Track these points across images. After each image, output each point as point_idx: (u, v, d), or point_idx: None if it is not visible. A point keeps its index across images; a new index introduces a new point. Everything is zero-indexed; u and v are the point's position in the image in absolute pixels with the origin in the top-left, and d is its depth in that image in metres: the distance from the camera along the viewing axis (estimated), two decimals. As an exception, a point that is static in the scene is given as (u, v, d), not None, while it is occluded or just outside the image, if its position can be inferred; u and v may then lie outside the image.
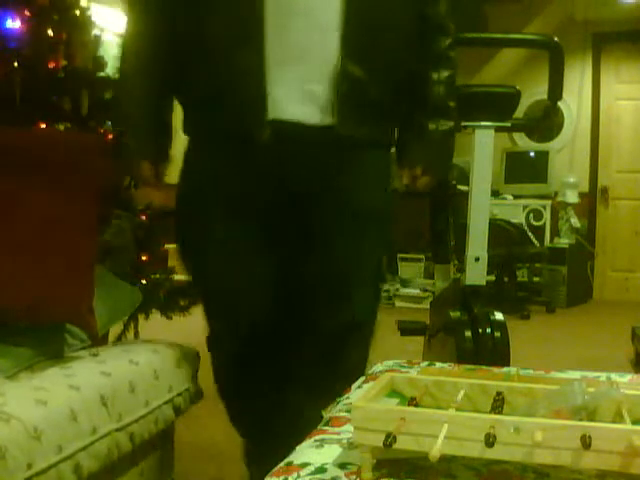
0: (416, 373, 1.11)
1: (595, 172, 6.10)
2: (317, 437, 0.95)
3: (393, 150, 1.47)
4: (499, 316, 1.97)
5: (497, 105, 1.94)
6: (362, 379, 1.26)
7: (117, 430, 1.27)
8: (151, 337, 1.69)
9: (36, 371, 1.28)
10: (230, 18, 1.21)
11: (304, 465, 0.85)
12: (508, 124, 1.97)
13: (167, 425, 1.49)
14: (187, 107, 1.39)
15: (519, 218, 5.45)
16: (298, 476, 0.82)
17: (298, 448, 0.91)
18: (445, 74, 1.38)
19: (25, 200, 1.35)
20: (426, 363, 1.44)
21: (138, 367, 1.41)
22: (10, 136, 1.45)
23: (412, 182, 1.44)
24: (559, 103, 2.02)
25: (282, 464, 0.86)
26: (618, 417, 0.82)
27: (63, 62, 1.91)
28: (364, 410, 0.80)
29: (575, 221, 5.52)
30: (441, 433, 0.74)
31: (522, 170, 5.75)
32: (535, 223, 5.50)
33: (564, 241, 5.52)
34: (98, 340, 1.53)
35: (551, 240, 5.57)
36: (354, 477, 0.81)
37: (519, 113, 2.02)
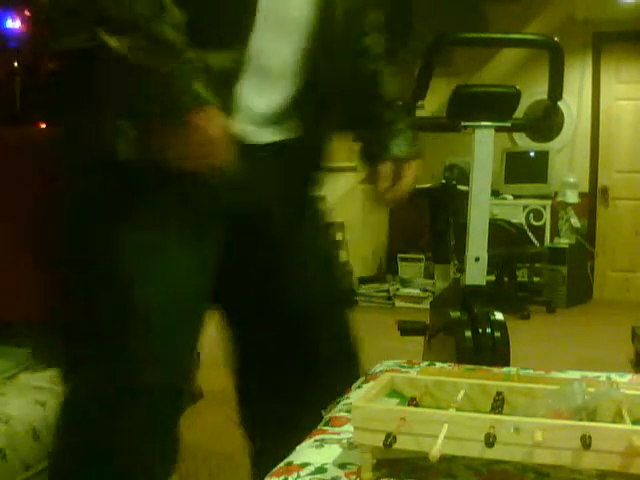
0: (416, 373, 1.11)
1: (595, 172, 6.10)
2: (317, 437, 0.95)
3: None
4: (499, 316, 1.97)
5: (497, 105, 1.94)
6: (362, 379, 1.26)
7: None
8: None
9: (36, 371, 1.28)
10: None
11: (304, 465, 0.85)
12: (508, 124, 1.97)
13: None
14: None
15: (519, 218, 5.45)
16: (298, 476, 0.82)
17: (298, 448, 0.91)
18: (391, 70, 1.34)
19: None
20: (426, 363, 1.44)
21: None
22: None
23: (397, 182, 1.37)
24: (559, 103, 2.02)
25: (282, 464, 0.86)
26: (618, 417, 0.82)
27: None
28: (364, 410, 0.80)
29: (575, 221, 5.52)
30: (441, 433, 0.74)
31: (522, 170, 5.75)
32: (535, 223, 5.50)
33: (564, 241, 5.52)
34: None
35: (551, 240, 5.57)
36: (354, 477, 0.81)
37: (519, 113, 2.02)
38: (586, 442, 0.71)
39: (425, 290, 5.34)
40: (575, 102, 6.04)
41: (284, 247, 1.20)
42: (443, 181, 2.79)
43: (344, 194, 5.77)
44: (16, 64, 1.78)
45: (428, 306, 2.61)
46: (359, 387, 1.20)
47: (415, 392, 0.91)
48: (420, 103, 2.01)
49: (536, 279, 5.47)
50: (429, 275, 5.43)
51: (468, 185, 1.95)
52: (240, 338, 1.28)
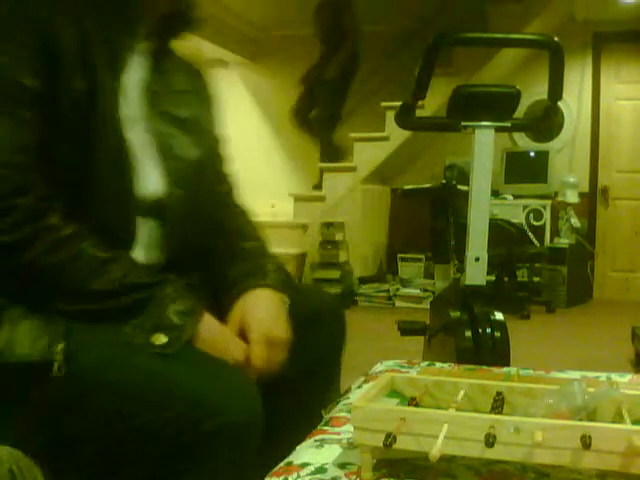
0: (416, 373, 1.11)
1: (595, 172, 6.10)
2: (317, 437, 0.95)
3: None
4: (499, 316, 1.97)
5: (497, 105, 1.93)
6: (362, 379, 1.26)
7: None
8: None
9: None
10: None
11: (304, 465, 0.85)
12: (508, 124, 1.96)
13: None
14: None
15: (519, 218, 5.45)
16: (298, 476, 0.82)
17: (298, 448, 0.91)
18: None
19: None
20: (426, 363, 1.44)
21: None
22: None
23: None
24: (559, 103, 2.02)
25: (282, 464, 0.86)
26: (618, 417, 0.82)
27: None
28: (364, 410, 0.80)
29: (575, 221, 5.52)
30: (441, 433, 0.74)
31: (522, 170, 5.75)
32: (535, 223, 5.50)
33: (564, 241, 5.52)
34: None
35: (551, 240, 5.57)
36: (354, 477, 0.81)
37: (519, 113, 2.02)
38: (586, 442, 0.71)
39: (425, 290, 5.34)
40: (575, 102, 6.04)
41: None
42: (443, 181, 2.78)
43: (344, 194, 5.77)
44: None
45: (428, 306, 2.61)
46: (359, 387, 1.20)
47: (415, 392, 0.91)
48: (420, 103, 2.01)
49: (536, 279, 5.47)
50: (429, 275, 5.43)
51: (468, 185, 1.95)
52: None
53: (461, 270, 2.04)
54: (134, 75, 1.09)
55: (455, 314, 2.00)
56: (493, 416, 0.79)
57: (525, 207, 5.55)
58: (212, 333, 0.99)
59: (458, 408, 0.83)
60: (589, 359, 3.52)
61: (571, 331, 4.46)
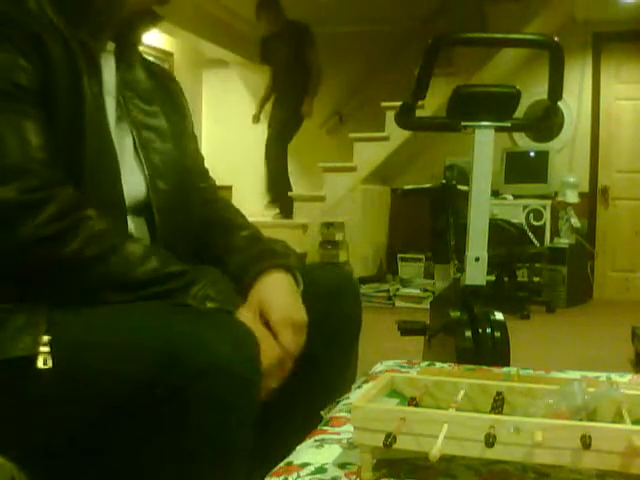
0: (416, 373, 1.11)
1: (595, 172, 6.10)
2: (317, 437, 0.95)
3: None
4: (499, 316, 1.97)
5: (497, 105, 1.93)
6: (362, 379, 1.26)
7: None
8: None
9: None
10: None
11: (304, 465, 0.85)
12: (508, 124, 1.96)
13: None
14: None
15: (519, 218, 5.45)
16: (298, 476, 0.82)
17: (298, 448, 0.91)
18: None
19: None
20: (426, 363, 1.44)
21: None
22: None
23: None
24: (559, 103, 2.02)
25: (282, 464, 0.86)
26: (618, 417, 0.82)
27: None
28: (364, 410, 0.80)
29: (575, 221, 5.52)
30: (441, 433, 0.74)
31: (522, 170, 5.75)
32: (535, 223, 5.50)
33: (564, 241, 5.52)
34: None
35: (551, 240, 5.57)
36: (354, 477, 0.81)
37: (519, 113, 2.02)
38: (586, 442, 0.71)
39: (425, 290, 5.34)
40: (575, 102, 6.04)
41: None
42: (443, 181, 2.78)
43: (344, 194, 5.78)
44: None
45: (428, 306, 2.61)
46: (359, 387, 1.20)
47: (415, 392, 0.91)
48: (420, 103, 2.01)
49: (536, 279, 5.47)
50: (429, 275, 5.43)
51: (468, 185, 1.95)
52: None
53: (461, 270, 2.04)
54: (108, 78, 1.09)
55: (455, 314, 2.00)
56: (493, 416, 0.79)
57: (525, 207, 5.55)
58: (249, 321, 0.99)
59: (458, 408, 0.83)
60: (589, 359, 3.52)
61: (571, 331, 4.46)
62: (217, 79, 7.13)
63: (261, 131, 6.06)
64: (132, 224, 1.08)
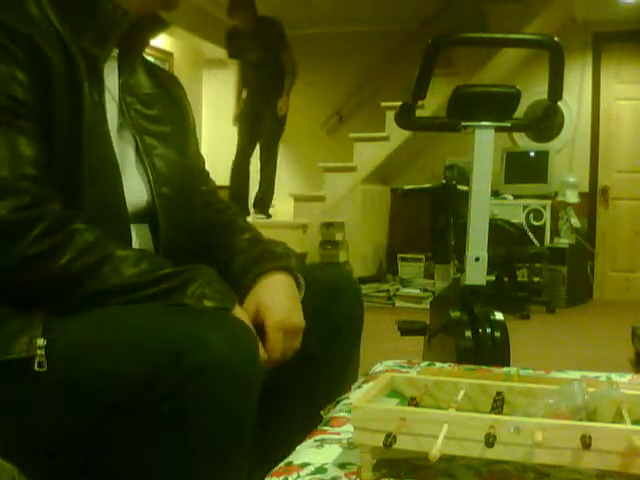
0: (416, 373, 1.11)
1: (595, 172, 6.10)
2: (317, 437, 0.95)
3: None
4: (499, 316, 1.97)
5: (497, 105, 1.93)
6: (362, 379, 1.26)
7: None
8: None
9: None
10: None
11: (304, 465, 0.85)
12: (508, 124, 1.96)
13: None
14: None
15: (519, 218, 5.45)
16: (298, 476, 0.82)
17: (298, 448, 0.91)
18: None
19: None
20: (426, 363, 1.44)
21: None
22: None
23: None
24: (559, 103, 2.02)
25: (282, 464, 0.86)
26: (618, 417, 0.82)
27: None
28: (364, 410, 0.80)
29: (575, 221, 5.52)
30: (441, 433, 0.74)
31: (522, 170, 5.75)
32: (535, 223, 5.50)
33: (564, 241, 5.52)
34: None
35: (551, 240, 5.57)
36: (354, 477, 0.81)
37: (519, 113, 2.02)
38: (586, 442, 0.71)
39: (425, 290, 5.34)
40: (575, 102, 6.04)
41: None
42: (443, 181, 2.78)
43: (344, 194, 5.78)
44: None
45: (428, 306, 2.61)
46: (359, 387, 1.20)
47: (415, 392, 0.91)
48: (420, 103, 2.01)
49: (536, 279, 5.47)
50: (429, 275, 5.43)
51: (468, 185, 1.95)
52: None
53: (461, 270, 2.04)
54: (110, 84, 1.09)
55: (455, 314, 2.00)
56: (493, 416, 0.79)
57: (525, 207, 5.55)
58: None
59: (458, 408, 0.83)
60: (589, 359, 3.51)
61: (571, 331, 4.46)
62: (217, 79, 7.13)
63: (261, 131, 6.05)
64: (135, 231, 1.08)
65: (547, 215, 5.53)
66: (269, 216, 5.77)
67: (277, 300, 1.06)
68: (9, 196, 0.89)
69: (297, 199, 5.92)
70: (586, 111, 6.07)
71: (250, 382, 0.88)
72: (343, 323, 1.22)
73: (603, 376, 1.27)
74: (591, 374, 1.28)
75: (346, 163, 5.87)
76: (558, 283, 5.37)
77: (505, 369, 1.36)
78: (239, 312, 1.00)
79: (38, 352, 0.87)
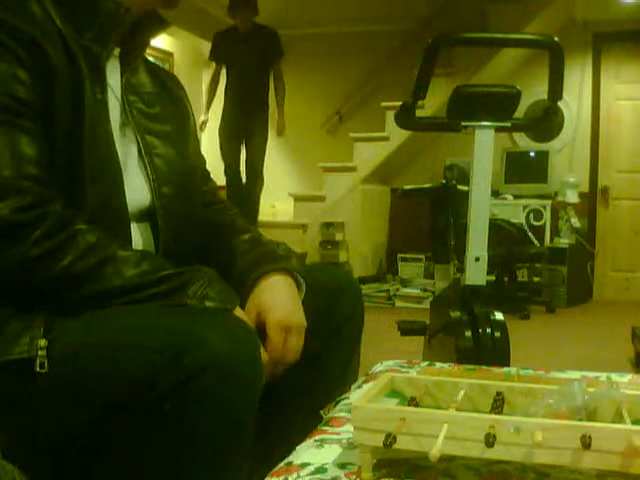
0: (416, 373, 1.11)
1: (595, 172, 6.10)
2: (317, 437, 0.95)
3: None
4: (499, 316, 1.97)
5: (497, 105, 1.93)
6: (362, 379, 1.26)
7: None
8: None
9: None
10: None
11: (304, 465, 0.85)
12: (508, 124, 1.97)
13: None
14: None
15: (519, 218, 5.45)
16: (298, 476, 0.82)
17: (298, 448, 0.91)
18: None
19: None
20: (426, 363, 1.44)
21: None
22: None
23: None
24: (559, 103, 2.02)
25: (282, 464, 0.86)
26: (618, 417, 0.82)
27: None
28: (364, 410, 0.80)
29: (575, 221, 5.52)
30: (441, 433, 0.74)
31: (522, 170, 5.75)
32: (535, 223, 5.50)
33: (564, 241, 5.52)
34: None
35: (551, 240, 5.57)
36: (354, 477, 0.81)
37: (519, 113, 2.02)
38: (586, 442, 0.71)
39: (425, 290, 5.34)
40: (575, 102, 6.04)
41: None
42: (443, 181, 2.78)
43: (344, 194, 5.78)
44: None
45: (428, 306, 2.61)
46: (359, 387, 1.20)
47: (415, 392, 0.91)
48: (420, 103, 2.01)
49: (536, 279, 5.47)
50: (429, 275, 5.43)
51: (468, 185, 1.95)
52: None
53: (461, 270, 2.04)
54: (113, 83, 1.09)
55: (455, 314, 2.00)
56: (493, 416, 0.79)
57: (525, 207, 5.55)
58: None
59: (458, 408, 0.83)
60: (589, 359, 3.51)
61: (571, 331, 4.46)
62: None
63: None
64: (137, 230, 1.08)
65: (547, 215, 5.53)
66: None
67: (278, 300, 1.07)
68: (11, 196, 0.89)
69: (297, 199, 5.92)
70: (586, 111, 6.06)
71: (251, 382, 0.88)
72: (343, 323, 1.22)
73: (603, 376, 1.27)
74: (591, 374, 1.28)
75: (346, 163, 5.87)
76: (558, 283, 5.37)
77: (505, 369, 1.36)
78: (240, 312, 1.00)
79: (39, 353, 0.87)
